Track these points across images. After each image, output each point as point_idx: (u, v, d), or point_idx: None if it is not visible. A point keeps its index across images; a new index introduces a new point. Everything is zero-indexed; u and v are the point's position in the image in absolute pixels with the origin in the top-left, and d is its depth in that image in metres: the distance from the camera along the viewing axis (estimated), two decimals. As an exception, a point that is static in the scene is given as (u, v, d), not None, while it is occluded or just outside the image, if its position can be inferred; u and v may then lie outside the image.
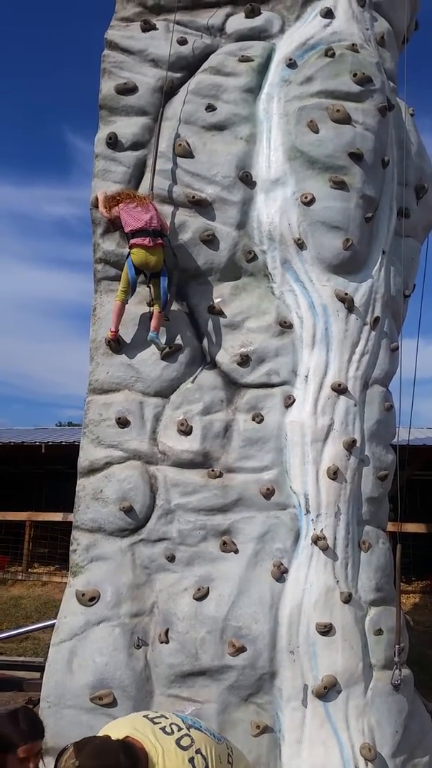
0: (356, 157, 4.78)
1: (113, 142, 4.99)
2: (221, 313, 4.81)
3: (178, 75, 5.19)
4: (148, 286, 4.78)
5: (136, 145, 5.04)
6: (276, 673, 4.09)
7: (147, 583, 4.37)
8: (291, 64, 5.08)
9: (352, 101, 4.87)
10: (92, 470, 4.62)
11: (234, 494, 4.45)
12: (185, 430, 4.54)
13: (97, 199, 4.88)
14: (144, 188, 4.94)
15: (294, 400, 4.61)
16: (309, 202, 4.76)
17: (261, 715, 4.04)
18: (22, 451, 14.73)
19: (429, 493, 14.64)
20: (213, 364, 4.79)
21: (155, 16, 5.36)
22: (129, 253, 4.66)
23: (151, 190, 4.84)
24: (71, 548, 4.52)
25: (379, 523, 4.63)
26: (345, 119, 4.82)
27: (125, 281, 4.66)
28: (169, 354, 4.72)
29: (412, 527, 12.03)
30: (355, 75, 4.87)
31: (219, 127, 5.02)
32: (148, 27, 5.25)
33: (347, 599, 4.20)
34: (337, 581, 4.26)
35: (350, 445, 4.47)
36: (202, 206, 4.88)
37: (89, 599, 4.27)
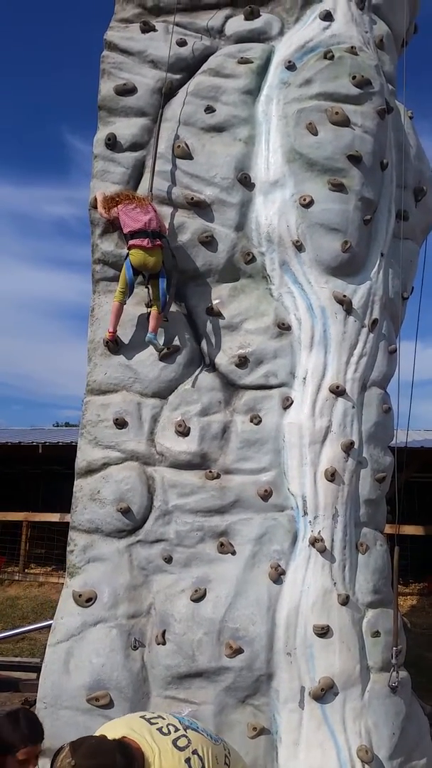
0: (355, 159, 4.78)
1: (112, 143, 4.99)
2: (219, 315, 4.81)
3: (178, 76, 5.19)
4: (147, 287, 4.78)
5: (134, 146, 5.04)
6: (273, 674, 4.09)
7: (144, 585, 4.37)
8: (290, 67, 5.09)
9: (351, 104, 4.88)
10: (90, 471, 4.62)
11: (232, 496, 4.45)
12: (183, 431, 4.54)
13: (95, 199, 4.88)
14: (142, 189, 4.94)
15: (292, 402, 4.61)
16: (308, 204, 4.77)
17: (258, 717, 4.04)
18: (19, 452, 14.70)
19: (427, 495, 14.65)
20: (211, 366, 4.79)
21: (154, 18, 5.37)
22: (127, 254, 4.66)
23: (150, 191, 4.84)
24: (68, 549, 4.51)
25: (376, 525, 4.63)
26: (344, 122, 4.82)
27: (123, 282, 4.66)
28: (167, 355, 4.72)
29: (409, 529, 12.04)
30: (354, 78, 4.88)
31: (218, 129, 5.03)
32: (147, 28, 5.26)
33: (345, 601, 4.20)
34: (335, 583, 4.26)
35: (348, 447, 4.47)
36: (200, 207, 4.88)
37: (86, 600, 4.27)
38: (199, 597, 4.21)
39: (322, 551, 4.28)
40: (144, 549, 4.43)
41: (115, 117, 5.12)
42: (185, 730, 2.81)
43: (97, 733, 2.71)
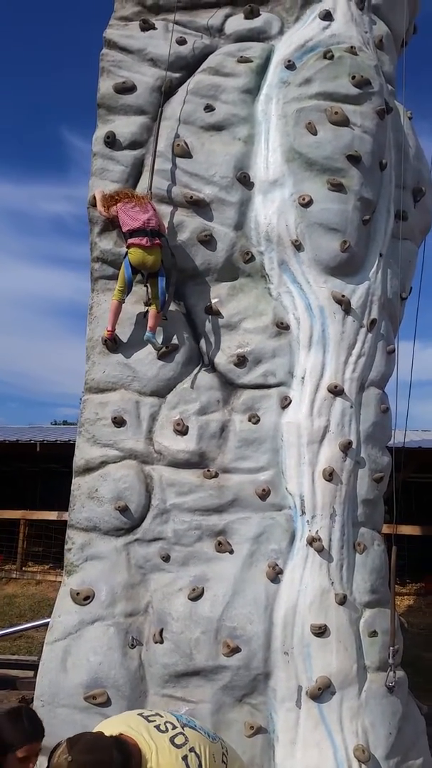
0: (354, 159, 4.78)
1: (111, 141, 4.99)
2: (218, 314, 4.81)
3: (177, 75, 5.19)
4: (146, 286, 4.78)
5: (134, 145, 5.03)
6: (270, 673, 4.09)
7: (142, 583, 4.37)
8: (290, 66, 5.09)
9: (350, 104, 4.88)
10: (88, 469, 4.62)
11: (230, 495, 4.45)
12: (181, 430, 4.54)
13: (94, 197, 4.88)
14: (141, 187, 4.94)
15: (290, 402, 4.61)
16: (307, 203, 4.77)
17: (255, 716, 4.04)
18: (16, 450, 14.71)
19: (424, 495, 14.68)
20: (210, 365, 4.79)
21: (154, 16, 5.36)
22: (126, 253, 4.65)
23: (150, 189, 4.84)
24: (66, 547, 4.51)
25: (374, 525, 4.64)
26: (343, 121, 4.82)
27: (122, 280, 4.66)
28: (165, 354, 4.72)
29: (407, 529, 12.07)
30: (353, 78, 4.88)
31: (217, 128, 5.03)
32: (147, 26, 5.25)
33: (342, 601, 4.21)
34: (332, 583, 4.26)
35: (346, 447, 4.48)
36: (199, 206, 4.88)
37: (84, 598, 4.27)
38: (196, 596, 4.22)
39: (320, 551, 4.28)
40: (142, 547, 4.43)
41: (115, 115, 5.12)
42: (183, 727, 2.82)
43: (94, 731, 2.72)
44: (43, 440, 14.20)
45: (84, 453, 4.66)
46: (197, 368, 4.77)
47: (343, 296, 4.70)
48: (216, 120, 5.02)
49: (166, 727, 2.77)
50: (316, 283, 4.77)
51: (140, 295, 4.82)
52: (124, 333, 4.77)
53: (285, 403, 4.61)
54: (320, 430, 4.51)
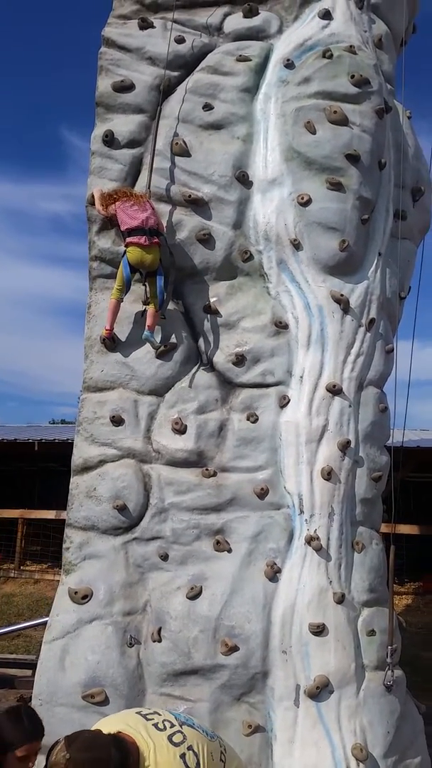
0: (353, 158, 4.78)
1: (109, 140, 4.99)
2: (217, 313, 4.81)
3: (176, 73, 5.18)
4: (144, 285, 4.78)
5: (132, 143, 5.03)
6: (268, 672, 4.09)
7: (140, 582, 4.37)
8: (289, 65, 5.08)
9: (349, 103, 4.88)
10: (86, 468, 4.62)
11: (228, 493, 4.45)
12: (180, 429, 4.54)
13: (93, 196, 4.87)
14: (140, 186, 4.93)
15: (289, 401, 4.61)
16: (305, 202, 4.77)
17: (253, 715, 4.04)
18: (14, 449, 14.70)
19: (423, 494, 14.69)
20: (208, 364, 4.79)
21: (153, 14, 5.35)
22: (125, 252, 4.65)
23: (149, 188, 4.83)
24: (64, 546, 4.51)
25: (372, 524, 4.64)
26: (342, 121, 4.82)
27: (120, 279, 4.65)
28: (164, 353, 4.71)
29: (405, 529, 12.08)
30: (352, 77, 4.88)
31: (216, 127, 5.02)
32: (145, 25, 5.25)
33: (340, 600, 4.21)
34: (330, 582, 4.27)
35: (344, 446, 4.48)
36: (198, 205, 4.87)
37: (82, 597, 4.26)
38: (194, 594, 4.22)
39: (318, 550, 4.29)
40: (140, 546, 4.43)
41: (113, 114, 5.11)
42: (181, 726, 2.82)
43: (93, 728, 2.72)
44: (42, 439, 14.20)
45: (82, 452, 4.65)
46: (196, 367, 4.77)
47: (341, 295, 4.70)
48: (215, 119, 5.02)
49: (164, 725, 2.77)
50: (315, 283, 4.77)
51: (139, 294, 4.82)
52: (122, 332, 4.77)
53: (283, 402, 4.61)
54: (319, 429, 4.51)
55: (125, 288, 4.67)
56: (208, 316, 4.82)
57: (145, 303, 4.76)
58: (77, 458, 4.66)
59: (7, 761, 2.51)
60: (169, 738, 2.70)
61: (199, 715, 3.87)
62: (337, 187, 4.76)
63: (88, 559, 4.41)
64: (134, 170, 5.03)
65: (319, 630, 4.09)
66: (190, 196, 4.85)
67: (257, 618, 4.14)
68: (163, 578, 4.35)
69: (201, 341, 4.84)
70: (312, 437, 4.49)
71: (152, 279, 4.69)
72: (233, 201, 4.88)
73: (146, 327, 4.61)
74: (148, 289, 4.74)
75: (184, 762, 2.65)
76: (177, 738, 2.72)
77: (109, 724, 2.75)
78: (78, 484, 4.59)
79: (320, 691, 4.01)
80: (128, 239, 4.61)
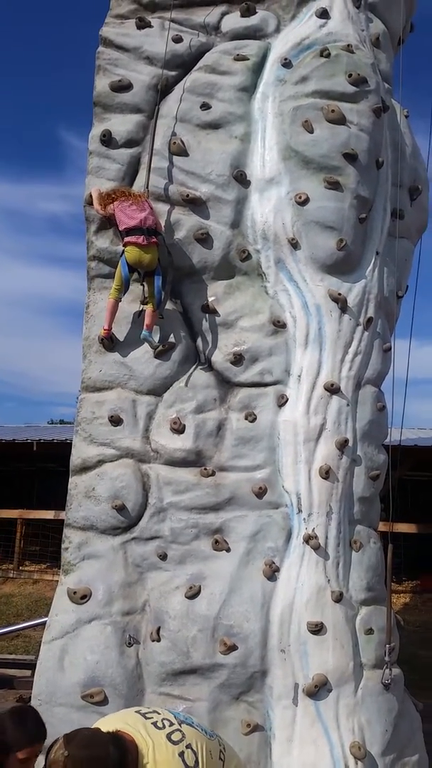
0: (351, 157, 4.79)
1: (107, 140, 4.98)
2: (215, 312, 4.81)
3: (174, 73, 5.18)
4: (142, 285, 4.78)
5: (130, 143, 5.03)
6: (267, 671, 4.10)
7: (139, 582, 4.37)
8: (286, 64, 5.08)
9: (347, 102, 4.88)
10: (84, 468, 4.62)
11: (226, 493, 4.45)
12: (178, 429, 4.54)
13: (91, 196, 4.87)
14: (138, 186, 4.94)
15: (287, 400, 4.61)
16: (303, 201, 4.77)
17: (252, 714, 4.05)
18: (13, 449, 14.70)
19: (420, 493, 14.71)
20: (206, 363, 4.79)
21: (150, 14, 5.35)
22: (123, 251, 4.65)
23: (147, 187, 4.83)
24: (63, 546, 4.51)
25: (370, 523, 4.65)
26: (340, 120, 4.82)
27: (119, 279, 4.65)
28: (162, 352, 4.71)
29: (403, 527, 12.10)
30: (350, 76, 4.88)
31: (214, 126, 5.02)
32: (143, 24, 5.24)
33: (338, 598, 4.22)
34: (329, 580, 4.27)
35: (342, 445, 4.48)
36: (196, 205, 4.87)
37: (81, 597, 4.27)
38: (193, 594, 4.22)
39: (316, 548, 4.29)
40: (139, 546, 4.43)
41: (111, 113, 5.11)
42: (180, 724, 2.83)
43: (92, 727, 2.72)
44: (40, 439, 14.20)
45: (81, 452, 4.65)
46: (194, 367, 4.77)
47: (339, 294, 4.70)
48: (212, 118, 5.02)
49: (163, 723, 2.77)
50: (313, 282, 4.77)
51: (137, 294, 4.82)
52: (120, 331, 4.77)
53: (282, 401, 4.61)
54: (317, 428, 4.51)
55: (123, 288, 4.67)
56: (207, 315, 4.82)
57: (144, 303, 4.76)
58: (76, 458, 4.66)
59: (9, 762, 2.51)
60: (168, 736, 2.71)
61: (198, 715, 3.87)
62: (334, 186, 4.77)
63: (87, 559, 4.42)
64: (132, 170, 5.03)
65: (317, 629, 4.10)
66: (188, 195, 4.85)
67: (256, 617, 4.14)
68: (161, 578, 4.35)
69: (199, 341, 4.84)
70: (310, 436, 4.50)
71: (150, 278, 4.70)
72: (231, 200, 4.89)
73: (144, 327, 4.61)
74: (146, 288, 4.75)
75: (183, 760, 2.65)
76: (176, 736, 2.73)
77: (108, 722, 2.75)
78: (77, 484, 4.59)
79: (319, 690, 4.02)
80: (126, 239, 4.61)
